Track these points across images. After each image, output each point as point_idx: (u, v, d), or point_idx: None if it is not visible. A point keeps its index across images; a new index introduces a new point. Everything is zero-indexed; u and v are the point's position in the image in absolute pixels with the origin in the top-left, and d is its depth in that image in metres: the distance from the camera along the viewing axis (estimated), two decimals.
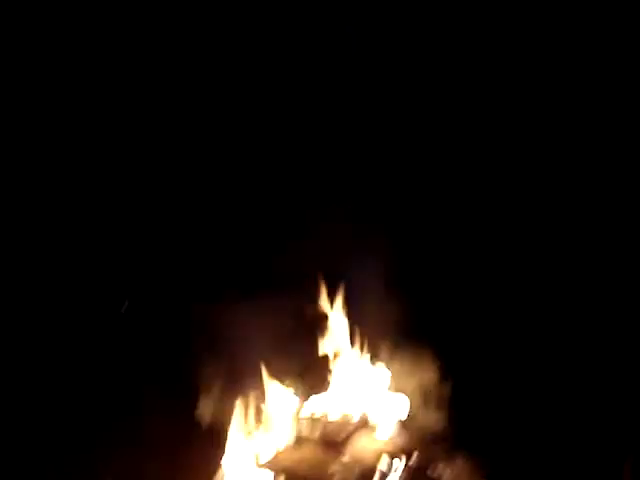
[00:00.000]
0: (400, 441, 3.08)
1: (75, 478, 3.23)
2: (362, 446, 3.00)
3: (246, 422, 3.08)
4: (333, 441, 2.97)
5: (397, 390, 3.22)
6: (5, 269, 3.65)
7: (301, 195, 3.79)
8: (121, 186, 3.83)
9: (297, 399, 3.21)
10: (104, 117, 3.86)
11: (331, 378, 3.25)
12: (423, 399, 3.19)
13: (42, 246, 3.72)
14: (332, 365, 3.25)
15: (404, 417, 3.15)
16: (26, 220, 3.72)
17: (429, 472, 3.00)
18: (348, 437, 3.01)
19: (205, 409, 3.14)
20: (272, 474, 2.94)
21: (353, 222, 3.56)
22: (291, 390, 3.19)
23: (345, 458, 2.90)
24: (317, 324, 3.27)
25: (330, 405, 3.19)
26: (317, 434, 3.03)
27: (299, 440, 3.04)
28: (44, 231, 3.72)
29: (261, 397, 3.12)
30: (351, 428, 3.05)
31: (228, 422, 3.09)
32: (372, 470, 2.87)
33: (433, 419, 3.15)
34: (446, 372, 3.21)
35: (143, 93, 3.88)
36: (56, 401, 3.48)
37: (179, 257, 3.73)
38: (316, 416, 3.14)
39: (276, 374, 3.15)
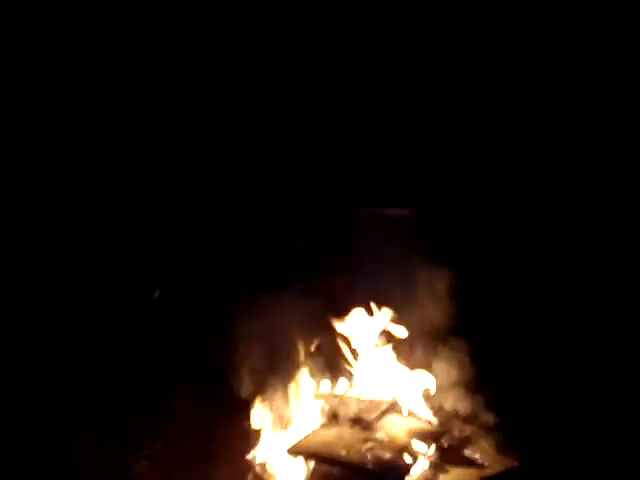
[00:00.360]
0: (432, 420, 3.10)
1: (108, 460, 3.24)
2: (394, 425, 3.01)
3: (278, 404, 3.10)
4: (365, 420, 2.98)
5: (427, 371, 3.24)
6: (45, 258, 3.68)
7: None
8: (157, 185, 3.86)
9: (328, 380, 3.23)
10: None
11: (362, 358, 3.27)
12: (454, 380, 3.21)
13: (77, 238, 3.75)
14: (363, 346, 3.27)
15: (434, 396, 3.17)
16: (61, 213, 3.75)
17: (461, 451, 3.01)
18: (380, 416, 3.02)
19: (238, 391, 3.15)
20: (303, 456, 2.96)
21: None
22: (322, 371, 3.21)
23: (378, 435, 2.91)
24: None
25: (361, 385, 3.22)
26: (349, 413, 3.04)
27: (332, 419, 3.05)
28: (80, 223, 3.75)
29: (293, 378, 3.15)
30: (383, 407, 3.06)
31: (261, 404, 3.11)
32: (405, 448, 2.88)
33: (464, 400, 3.16)
34: (477, 354, 3.22)
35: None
36: (89, 383, 3.51)
37: (217, 250, 3.74)
38: (347, 395, 3.16)
39: (308, 356, 3.17)
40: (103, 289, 3.72)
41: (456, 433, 3.09)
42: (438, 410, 3.16)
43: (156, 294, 3.58)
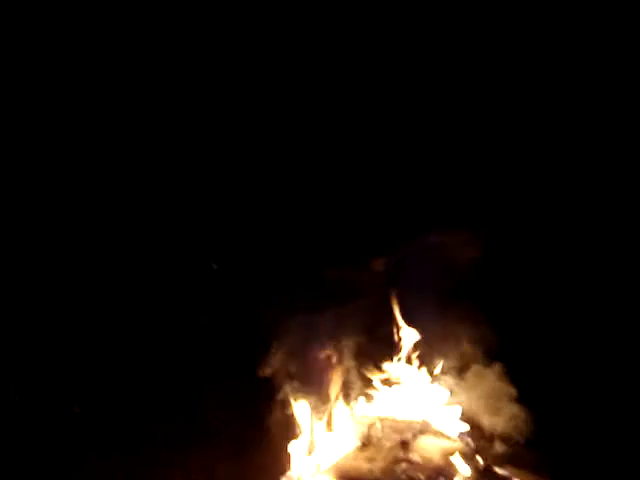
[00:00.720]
0: (467, 440, 3.08)
1: (147, 475, 3.27)
2: (428, 446, 3.00)
3: (313, 424, 3.10)
4: (400, 441, 2.97)
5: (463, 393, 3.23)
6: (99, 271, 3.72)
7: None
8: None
9: (362, 401, 3.23)
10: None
11: (396, 380, 3.27)
12: (489, 399, 3.18)
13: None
14: (397, 368, 3.27)
15: (468, 415, 3.15)
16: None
17: (497, 471, 2.98)
18: (415, 437, 3.01)
19: (273, 411, 3.17)
20: (337, 478, 2.95)
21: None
22: (356, 392, 3.21)
23: (413, 457, 2.90)
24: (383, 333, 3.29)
25: (394, 406, 3.20)
26: (383, 435, 3.03)
27: (366, 441, 3.04)
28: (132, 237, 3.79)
29: (327, 399, 3.15)
30: (416, 428, 3.05)
31: (295, 424, 3.12)
32: (440, 469, 2.86)
33: (500, 419, 3.13)
34: (513, 372, 3.19)
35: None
36: (122, 400, 3.54)
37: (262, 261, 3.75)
38: (381, 417, 3.15)
39: (343, 377, 3.18)
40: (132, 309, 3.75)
41: (491, 453, 3.07)
42: (473, 430, 3.14)
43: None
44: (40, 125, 3.80)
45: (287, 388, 3.12)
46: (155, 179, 3.86)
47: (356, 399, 3.25)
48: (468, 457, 2.97)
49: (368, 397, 3.26)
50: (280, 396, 3.14)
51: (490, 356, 3.22)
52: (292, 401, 3.12)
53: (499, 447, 3.09)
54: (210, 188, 3.86)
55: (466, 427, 3.15)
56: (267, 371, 3.16)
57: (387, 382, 3.30)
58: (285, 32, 3.87)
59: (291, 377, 3.15)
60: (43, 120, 3.80)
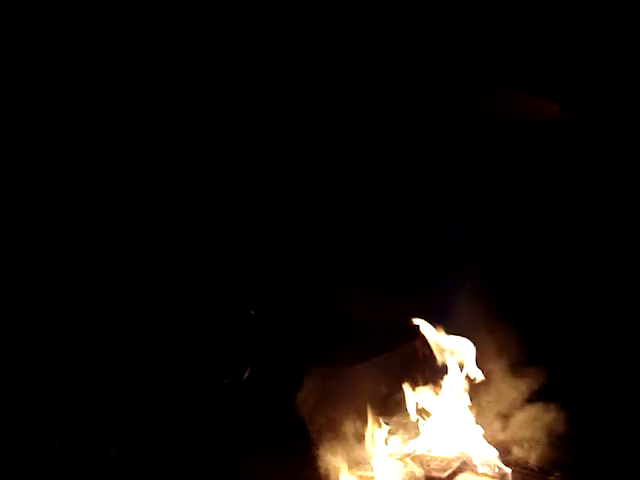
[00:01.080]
0: (506, 478, 3.06)
1: None
2: None
3: (350, 465, 3.10)
4: (438, 478, 2.96)
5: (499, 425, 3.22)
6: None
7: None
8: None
9: (398, 438, 3.23)
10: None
11: (432, 416, 3.26)
12: (531, 433, 3.17)
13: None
14: (433, 403, 3.27)
15: (509, 450, 3.13)
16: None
17: None
18: (453, 474, 2.99)
19: (309, 452, 3.17)
20: None
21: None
22: (393, 430, 3.21)
23: None
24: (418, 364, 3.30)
25: (432, 442, 3.20)
26: (421, 472, 3.02)
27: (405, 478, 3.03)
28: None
29: (364, 438, 3.15)
30: (455, 464, 3.04)
31: (332, 465, 3.12)
32: None
33: (542, 453, 3.12)
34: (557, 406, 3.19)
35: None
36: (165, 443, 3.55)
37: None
38: (418, 453, 3.14)
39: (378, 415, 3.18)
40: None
41: None
42: (514, 466, 3.12)
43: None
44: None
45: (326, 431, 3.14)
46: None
47: (393, 436, 3.25)
48: None
49: (405, 433, 3.26)
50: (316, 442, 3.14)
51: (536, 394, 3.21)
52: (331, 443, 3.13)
53: None
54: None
55: (508, 462, 3.14)
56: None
57: (425, 417, 3.32)
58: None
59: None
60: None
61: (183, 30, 3.91)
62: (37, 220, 3.75)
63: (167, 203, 3.93)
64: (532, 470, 3.14)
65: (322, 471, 3.06)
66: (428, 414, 3.30)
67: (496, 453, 3.14)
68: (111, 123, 3.87)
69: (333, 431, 3.16)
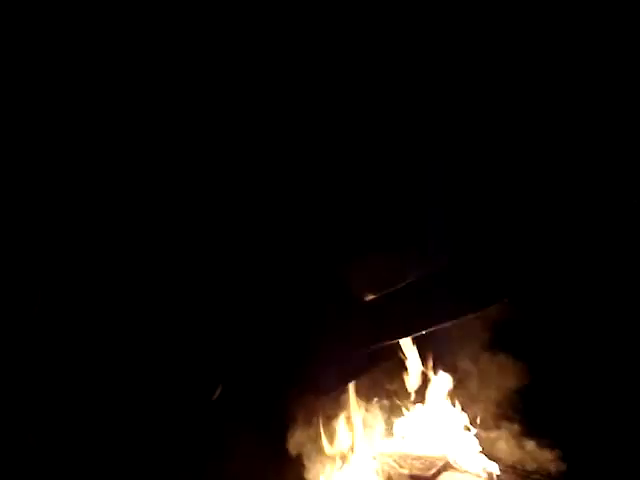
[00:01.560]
0: (492, 475, 3.02)
1: None
2: None
3: (332, 461, 3.05)
4: (423, 477, 2.92)
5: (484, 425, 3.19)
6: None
7: None
8: None
9: (380, 437, 3.19)
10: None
11: (416, 414, 3.23)
12: (514, 432, 3.15)
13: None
14: (416, 401, 3.24)
15: (493, 449, 3.10)
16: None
17: None
18: (438, 472, 2.96)
19: (292, 449, 3.13)
20: None
21: None
22: (376, 427, 3.17)
23: None
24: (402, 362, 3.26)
25: (417, 441, 3.16)
26: (404, 472, 2.98)
27: (390, 478, 2.99)
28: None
29: (347, 435, 3.11)
30: (439, 464, 3.00)
31: (314, 464, 3.07)
32: None
33: (526, 451, 3.09)
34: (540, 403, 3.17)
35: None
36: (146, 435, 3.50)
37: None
38: (401, 453, 3.10)
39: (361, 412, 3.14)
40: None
41: None
42: (497, 464, 3.09)
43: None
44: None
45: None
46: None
47: (375, 435, 3.21)
48: None
49: (388, 433, 3.23)
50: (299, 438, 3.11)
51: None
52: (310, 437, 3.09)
53: None
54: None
55: (492, 464, 3.11)
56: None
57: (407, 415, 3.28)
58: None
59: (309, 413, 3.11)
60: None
61: (183, 30, 3.84)
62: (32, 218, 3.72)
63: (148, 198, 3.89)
64: (517, 468, 3.10)
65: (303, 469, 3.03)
66: (411, 413, 3.26)
67: (481, 451, 3.11)
68: (110, 123, 3.80)
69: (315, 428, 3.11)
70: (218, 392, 3.44)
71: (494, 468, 3.06)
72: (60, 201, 3.74)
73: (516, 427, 3.20)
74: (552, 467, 3.08)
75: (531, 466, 3.11)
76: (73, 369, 3.62)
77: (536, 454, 3.14)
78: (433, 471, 2.95)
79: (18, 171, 3.69)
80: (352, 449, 3.09)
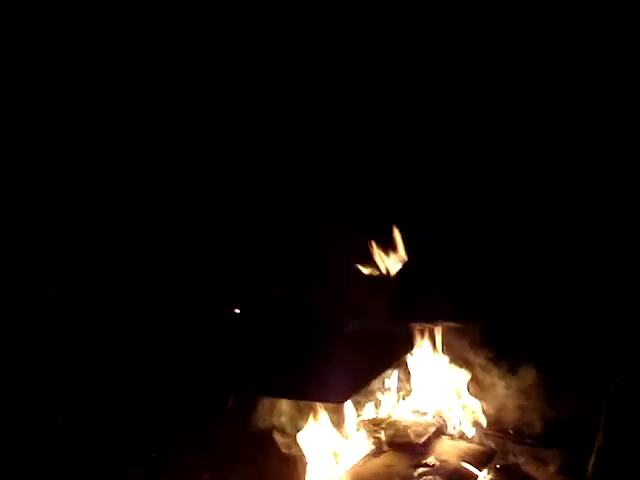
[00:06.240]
0: (483, 441, 3.02)
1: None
2: (444, 448, 2.94)
3: (324, 433, 3.04)
4: (414, 444, 2.91)
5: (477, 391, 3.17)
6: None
7: None
8: None
9: (372, 404, 3.18)
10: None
11: (409, 382, 3.21)
12: (505, 397, 3.13)
13: None
14: (409, 368, 3.21)
15: (484, 415, 3.10)
16: None
17: (516, 472, 2.93)
18: (430, 439, 2.95)
19: (282, 419, 3.12)
20: None
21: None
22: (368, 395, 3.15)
23: (429, 460, 2.84)
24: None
25: (408, 409, 3.15)
26: (396, 439, 2.97)
27: (378, 446, 2.98)
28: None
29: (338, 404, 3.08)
30: (431, 429, 2.99)
31: (307, 433, 3.05)
32: (458, 471, 2.80)
33: (517, 417, 3.08)
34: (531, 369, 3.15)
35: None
36: (133, 416, 3.51)
37: None
38: (393, 420, 3.09)
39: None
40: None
41: (509, 452, 3.02)
42: (489, 430, 3.09)
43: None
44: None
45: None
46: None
47: (367, 401, 3.19)
48: (486, 458, 2.91)
49: (380, 399, 3.21)
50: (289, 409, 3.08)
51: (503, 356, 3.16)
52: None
53: (518, 447, 3.04)
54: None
55: (483, 426, 3.11)
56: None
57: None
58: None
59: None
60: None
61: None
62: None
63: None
64: (509, 434, 3.11)
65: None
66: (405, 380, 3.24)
67: (473, 418, 3.11)
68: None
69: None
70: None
71: (486, 433, 3.07)
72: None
73: (507, 393, 3.17)
74: (544, 431, 3.08)
75: (524, 430, 3.12)
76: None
77: (528, 418, 3.13)
78: (424, 438, 2.94)
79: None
80: (342, 416, 3.06)
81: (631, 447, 2.31)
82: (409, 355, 3.22)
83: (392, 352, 3.11)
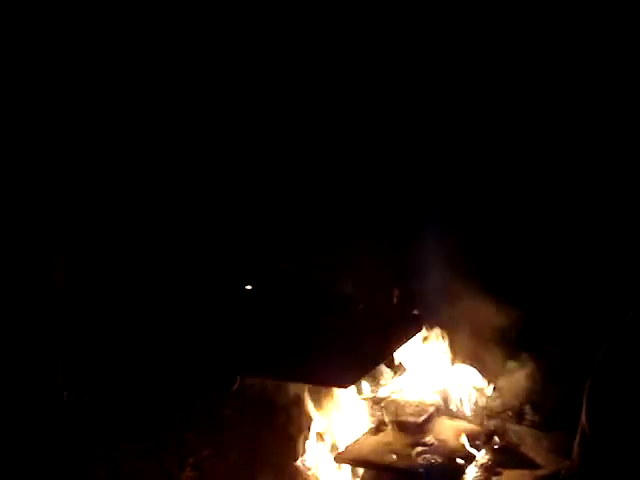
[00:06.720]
0: (481, 421, 3.04)
1: (154, 470, 3.23)
2: (443, 427, 2.96)
3: (324, 410, 3.05)
4: (413, 423, 2.93)
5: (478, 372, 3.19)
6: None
7: None
8: None
9: (373, 383, 3.19)
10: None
11: (406, 361, 3.22)
12: (504, 379, 3.15)
13: None
14: (407, 348, 3.21)
15: (483, 395, 3.11)
16: None
17: (514, 452, 2.95)
18: (428, 418, 2.96)
19: (283, 396, 3.13)
20: (351, 463, 2.91)
21: None
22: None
23: (427, 439, 2.86)
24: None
25: (407, 388, 3.16)
26: (396, 417, 2.98)
27: (378, 424, 3.00)
28: None
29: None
30: (430, 409, 3.00)
31: (307, 409, 3.07)
32: (456, 450, 2.82)
33: (515, 398, 3.09)
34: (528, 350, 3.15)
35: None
36: (132, 392, 3.52)
37: None
38: (393, 398, 3.10)
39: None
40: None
41: (508, 433, 3.03)
42: (488, 410, 3.10)
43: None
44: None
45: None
46: None
47: (367, 380, 3.20)
48: (484, 438, 2.93)
49: (379, 379, 3.22)
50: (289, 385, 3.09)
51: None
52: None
53: (516, 427, 3.05)
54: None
55: (482, 407, 3.12)
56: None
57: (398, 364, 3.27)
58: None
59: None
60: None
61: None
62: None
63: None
64: (507, 414, 3.12)
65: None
66: (404, 359, 3.25)
67: (472, 398, 3.12)
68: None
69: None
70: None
71: (485, 414, 3.08)
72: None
73: (507, 374, 3.19)
74: (543, 413, 3.09)
75: (524, 411, 3.13)
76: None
77: (528, 400, 3.14)
78: (424, 417, 2.96)
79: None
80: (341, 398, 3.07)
81: (612, 424, 2.34)
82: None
83: (401, 333, 3.11)
